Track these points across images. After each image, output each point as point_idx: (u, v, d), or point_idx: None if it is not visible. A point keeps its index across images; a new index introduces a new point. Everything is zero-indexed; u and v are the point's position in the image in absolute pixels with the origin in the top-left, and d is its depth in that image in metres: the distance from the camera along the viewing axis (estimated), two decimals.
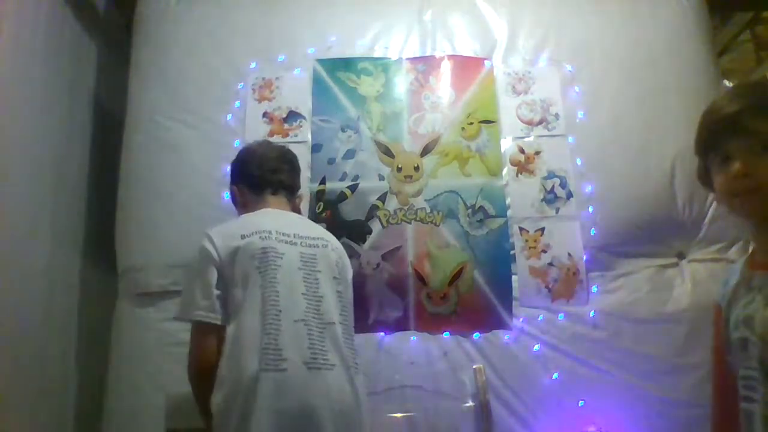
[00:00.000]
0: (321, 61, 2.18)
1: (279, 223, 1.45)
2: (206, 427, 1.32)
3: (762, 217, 0.92)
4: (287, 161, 1.63)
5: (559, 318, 1.94)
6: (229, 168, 1.68)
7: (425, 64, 2.20)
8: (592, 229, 2.02)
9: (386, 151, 2.09)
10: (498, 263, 1.99)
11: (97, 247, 2.18)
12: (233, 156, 2.05)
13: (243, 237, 1.38)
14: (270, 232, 1.40)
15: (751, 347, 0.87)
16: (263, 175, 1.56)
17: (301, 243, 1.44)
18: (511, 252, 2.00)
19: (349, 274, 1.56)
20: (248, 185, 1.58)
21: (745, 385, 0.90)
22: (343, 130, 2.11)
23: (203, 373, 1.31)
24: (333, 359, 1.32)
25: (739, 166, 0.88)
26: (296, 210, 1.63)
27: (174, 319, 1.44)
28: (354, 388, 1.34)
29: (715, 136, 0.93)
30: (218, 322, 1.32)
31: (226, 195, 2.01)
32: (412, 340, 1.92)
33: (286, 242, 1.41)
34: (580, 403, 1.85)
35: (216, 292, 1.33)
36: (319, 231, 1.56)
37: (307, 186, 2.04)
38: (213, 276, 1.34)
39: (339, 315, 1.40)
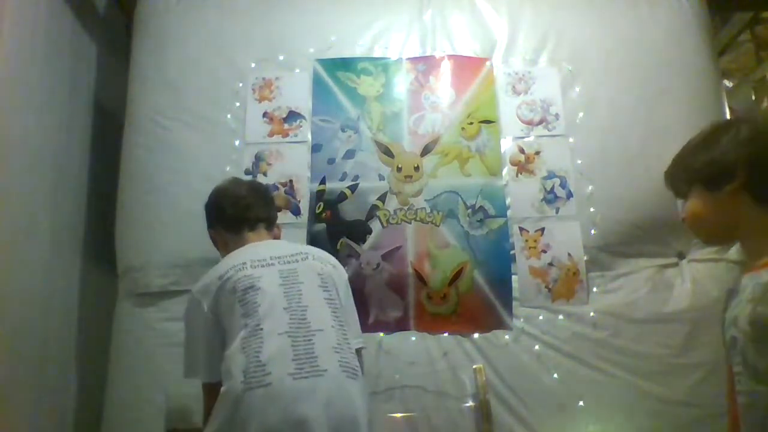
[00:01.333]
0: (321, 61, 2.18)
1: (254, 252, 1.46)
2: None
3: (712, 243, 1.21)
4: (259, 195, 1.62)
5: (559, 318, 1.94)
6: (206, 210, 1.65)
7: (425, 64, 2.20)
8: (592, 229, 2.02)
9: (386, 151, 2.09)
10: (498, 263, 1.99)
11: (97, 247, 2.18)
12: (233, 156, 2.08)
13: (220, 278, 1.39)
14: (244, 263, 1.41)
15: (738, 345, 0.94)
16: (237, 213, 1.56)
17: (278, 262, 1.43)
18: (511, 252, 2.00)
19: (341, 277, 1.52)
20: (225, 227, 1.57)
21: (737, 381, 0.95)
22: (343, 130, 2.11)
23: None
24: (324, 365, 1.29)
25: (681, 215, 1.12)
26: (276, 239, 1.62)
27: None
28: (350, 391, 1.31)
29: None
30: (217, 379, 1.33)
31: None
32: (412, 340, 1.92)
33: (262, 266, 1.41)
34: (580, 403, 1.85)
35: (213, 348, 1.35)
36: (298, 247, 1.56)
37: (307, 186, 2.05)
38: (207, 332, 1.36)
39: (331, 320, 1.38)
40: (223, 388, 1.27)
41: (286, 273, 1.41)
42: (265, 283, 1.37)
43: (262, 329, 1.30)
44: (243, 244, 1.51)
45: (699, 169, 1.05)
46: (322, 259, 1.51)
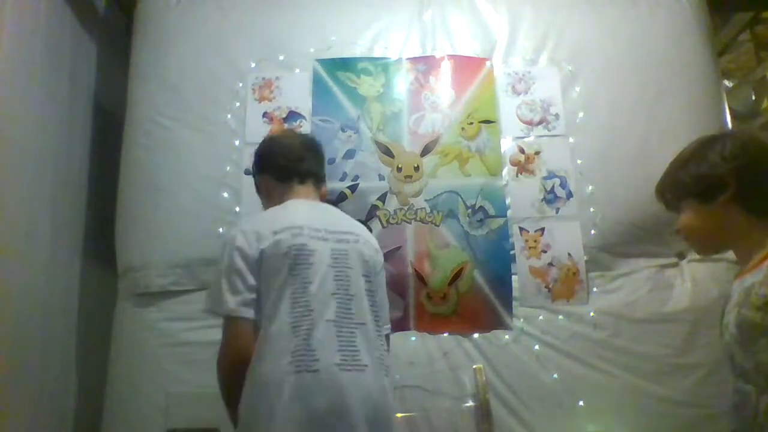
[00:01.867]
0: (321, 61, 2.18)
1: (310, 218, 1.40)
2: (233, 424, 1.29)
3: (707, 252, 1.21)
4: (312, 149, 1.57)
5: (559, 318, 1.94)
6: (252, 161, 1.62)
7: (425, 64, 2.20)
8: (592, 229, 2.02)
9: (386, 151, 2.09)
10: (498, 263, 1.99)
11: (97, 247, 2.18)
12: (233, 156, 2.08)
13: (275, 233, 1.33)
14: (302, 228, 1.35)
15: (729, 348, 1.00)
16: (289, 164, 1.51)
17: (332, 238, 1.38)
18: (511, 252, 2.00)
19: (380, 264, 1.50)
20: (274, 176, 1.52)
21: (732, 381, 1.01)
22: (343, 130, 2.11)
23: (236, 369, 1.26)
24: (365, 360, 1.29)
25: (675, 227, 1.18)
26: (323, 199, 1.58)
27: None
28: (385, 389, 1.31)
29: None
30: (251, 317, 1.28)
31: (226, 194, 2.03)
32: (412, 340, 1.92)
33: (318, 238, 1.35)
34: (580, 403, 1.85)
35: (249, 286, 1.29)
36: (350, 224, 1.50)
37: None
38: (245, 270, 1.29)
39: (370, 314, 1.36)
40: (265, 366, 1.23)
41: (337, 253, 1.37)
42: (317, 258, 1.33)
43: (312, 311, 1.27)
44: (291, 196, 1.47)
45: (690, 183, 1.10)
46: (369, 244, 1.47)
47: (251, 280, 1.29)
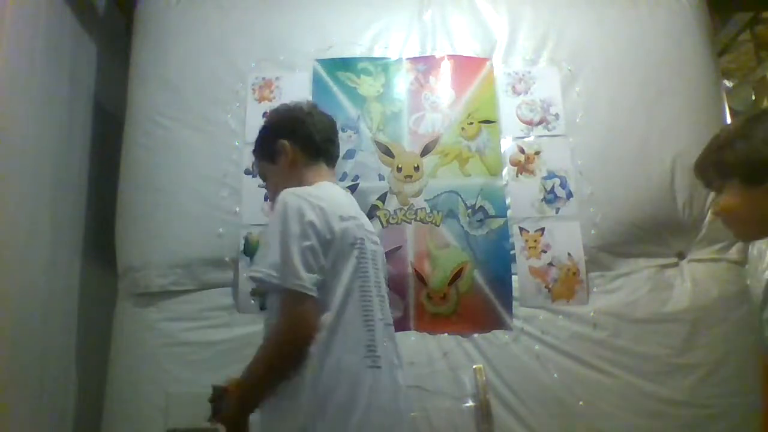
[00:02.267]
0: (321, 61, 2.18)
1: (357, 212, 1.36)
2: (252, 407, 1.22)
3: (746, 239, 1.15)
4: (336, 132, 1.50)
5: (559, 318, 1.94)
6: (270, 122, 1.48)
7: (425, 64, 2.20)
8: (592, 229, 2.02)
9: (386, 151, 2.09)
10: (498, 263, 1.99)
11: (97, 247, 2.19)
12: (233, 156, 2.07)
13: (342, 219, 1.25)
14: (360, 223, 1.31)
15: None
16: (322, 143, 1.42)
17: (370, 239, 1.34)
18: (511, 252, 2.00)
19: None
20: (302, 148, 1.39)
21: None
22: (343, 130, 2.11)
23: (299, 348, 1.17)
24: (398, 360, 1.33)
25: (712, 208, 1.09)
26: None
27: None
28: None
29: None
30: (316, 296, 1.19)
31: (226, 194, 2.03)
32: (412, 340, 1.92)
33: (366, 236, 1.32)
34: (580, 403, 1.85)
35: (320, 267, 1.20)
36: (370, 223, 1.45)
37: None
38: (318, 250, 1.20)
39: (389, 315, 1.37)
40: (342, 355, 1.18)
41: (373, 254, 1.34)
42: (369, 257, 1.30)
43: (372, 307, 1.25)
44: (323, 178, 1.38)
45: (736, 163, 1.01)
46: (381, 248, 1.44)
47: (323, 261, 1.21)
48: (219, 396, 1.25)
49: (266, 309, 1.32)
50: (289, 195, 1.24)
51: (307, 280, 1.17)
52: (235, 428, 1.22)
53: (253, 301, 1.93)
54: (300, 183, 1.34)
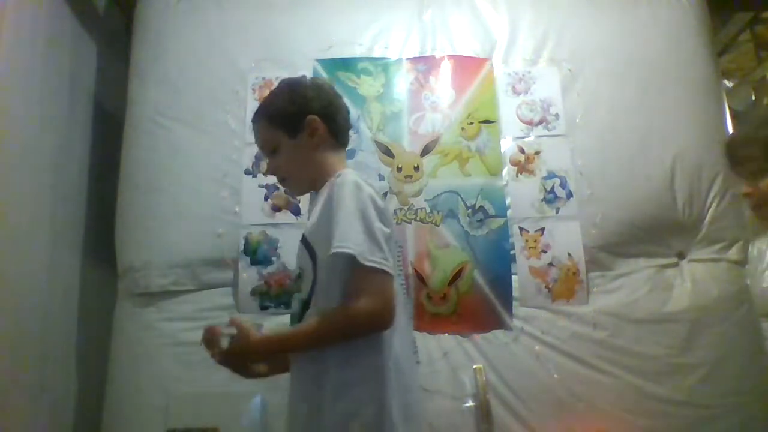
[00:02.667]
0: (321, 61, 2.18)
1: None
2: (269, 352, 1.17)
3: None
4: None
5: (559, 318, 1.94)
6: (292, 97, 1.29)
7: (425, 64, 2.20)
8: (592, 229, 2.02)
9: (386, 151, 2.09)
10: (498, 263, 1.99)
11: (97, 247, 2.18)
12: (233, 156, 2.07)
13: (388, 224, 1.18)
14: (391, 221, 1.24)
15: None
16: (346, 131, 1.33)
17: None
18: (511, 252, 2.00)
19: None
20: (330, 130, 1.28)
21: None
22: None
23: (374, 329, 1.09)
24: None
25: (743, 188, 1.05)
26: None
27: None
28: None
29: (728, 162, 1.08)
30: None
31: (226, 194, 2.03)
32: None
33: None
34: (580, 403, 1.85)
35: (386, 255, 1.10)
36: None
37: None
38: (387, 232, 1.14)
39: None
40: (402, 350, 1.14)
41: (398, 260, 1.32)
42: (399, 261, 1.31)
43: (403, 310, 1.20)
44: (343, 167, 1.29)
45: None
46: None
47: (386, 251, 1.12)
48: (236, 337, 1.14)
49: (309, 298, 1.18)
50: (357, 178, 1.17)
51: (386, 259, 1.09)
52: (242, 363, 1.17)
53: (253, 301, 1.93)
54: (322, 169, 1.26)
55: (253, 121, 1.33)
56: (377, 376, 1.08)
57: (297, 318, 1.22)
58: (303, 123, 1.26)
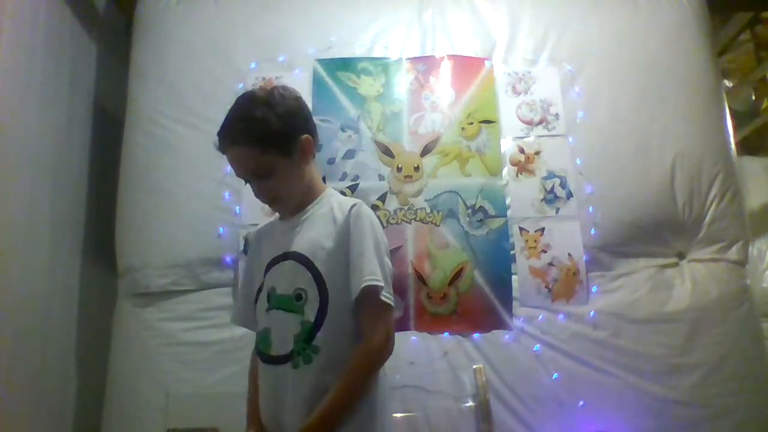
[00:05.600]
0: (321, 61, 2.18)
1: None
2: (334, 420, 1.14)
3: None
4: None
5: (559, 318, 1.94)
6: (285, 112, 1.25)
7: (425, 64, 2.20)
8: (592, 229, 2.02)
9: (386, 151, 2.09)
10: (498, 263, 1.99)
11: (97, 247, 2.18)
12: None
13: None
14: None
15: None
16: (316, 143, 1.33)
17: None
18: (511, 252, 2.00)
19: None
20: (314, 150, 1.29)
21: None
22: (343, 130, 2.11)
23: (387, 357, 1.19)
24: None
25: None
26: None
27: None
28: None
29: None
30: None
31: (226, 194, 2.03)
32: (412, 340, 1.92)
33: None
34: (580, 403, 1.85)
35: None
36: None
37: None
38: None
39: None
40: (386, 373, 1.25)
41: None
42: None
43: None
44: (318, 176, 1.35)
45: None
46: None
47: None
48: None
49: (319, 330, 1.18)
50: (369, 210, 1.24)
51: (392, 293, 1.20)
52: None
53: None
54: (312, 185, 1.29)
55: (231, 145, 1.25)
56: (372, 401, 1.18)
57: (302, 339, 1.18)
58: (297, 142, 1.24)
